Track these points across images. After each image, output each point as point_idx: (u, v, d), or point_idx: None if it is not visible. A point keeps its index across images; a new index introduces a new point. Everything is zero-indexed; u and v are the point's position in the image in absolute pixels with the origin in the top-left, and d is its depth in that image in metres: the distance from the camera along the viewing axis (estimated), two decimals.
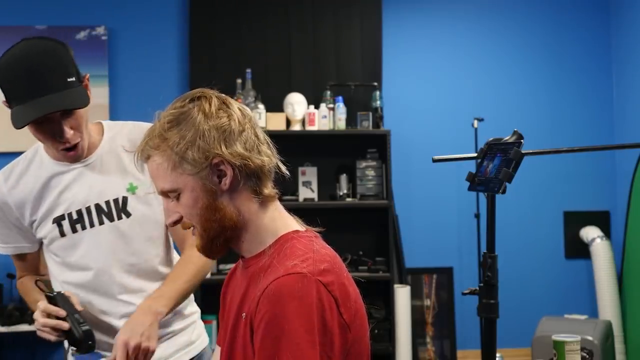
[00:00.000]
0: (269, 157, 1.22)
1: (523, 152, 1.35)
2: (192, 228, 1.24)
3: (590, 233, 4.60)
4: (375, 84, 4.50)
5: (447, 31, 4.78)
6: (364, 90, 4.53)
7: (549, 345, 1.82)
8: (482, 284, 1.39)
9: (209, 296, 4.15)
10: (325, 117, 4.33)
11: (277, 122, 4.30)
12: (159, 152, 1.19)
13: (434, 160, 1.59)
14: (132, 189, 1.71)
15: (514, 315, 4.40)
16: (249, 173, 1.20)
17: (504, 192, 1.34)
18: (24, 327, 3.79)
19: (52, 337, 1.59)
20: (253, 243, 1.24)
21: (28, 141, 1.70)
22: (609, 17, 4.86)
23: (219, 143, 1.17)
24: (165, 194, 1.22)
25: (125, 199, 1.71)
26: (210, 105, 1.20)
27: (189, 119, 1.18)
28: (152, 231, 1.74)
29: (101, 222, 1.69)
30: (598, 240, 4.51)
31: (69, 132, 1.59)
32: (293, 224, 1.27)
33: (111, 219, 1.70)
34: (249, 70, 4.32)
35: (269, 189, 1.24)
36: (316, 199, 4.41)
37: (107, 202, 1.70)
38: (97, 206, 1.70)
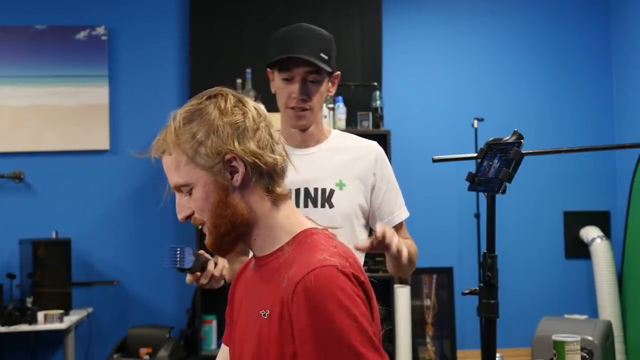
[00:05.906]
0: (282, 157, 1.24)
1: (523, 152, 1.35)
2: (203, 225, 1.24)
3: (590, 233, 4.59)
4: (375, 84, 4.50)
5: (447, 31, 4.78)
6: (364, 90, 4.53)
7: (549, 345, 1.83)
8: (482, 284, 1.39)
9: (209, 296, 4.16)
10: (325, 117, 4.33)
11: (277, 122, 4.27)
12: (173, 147, 1.20)
13: (434, 160, 1.60)
14: (340, 185, 1.87)
15: (514, 315, 4.40)
16: (261, 171, 1.21)
17: (504, 192, 1.34)
18: (24, 327, 3.78)
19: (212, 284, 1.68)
20: (266, 241, 1.24)
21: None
22: (609, 17, 4.86)
23: (232, 139, 1.18)
24: (178, 188, 1.23)
25: (332, 192, 1.86)
26: (226, 102, 1.21)
27: (204, 115, 1.20)
28: (350, 226, 1.85)
29: (306, 205, 1.83)
30: (598, 240, 4.51)
31: (305, 94, 1.83)
32: (307, 222, 1.28)
33: (315, 205, 1.84)
34: (249, 70, 4.31)
35: (282, 188, 1.25)
36: None
37: (316, 190, 1.85)
38: (306, 190, 1.85)
